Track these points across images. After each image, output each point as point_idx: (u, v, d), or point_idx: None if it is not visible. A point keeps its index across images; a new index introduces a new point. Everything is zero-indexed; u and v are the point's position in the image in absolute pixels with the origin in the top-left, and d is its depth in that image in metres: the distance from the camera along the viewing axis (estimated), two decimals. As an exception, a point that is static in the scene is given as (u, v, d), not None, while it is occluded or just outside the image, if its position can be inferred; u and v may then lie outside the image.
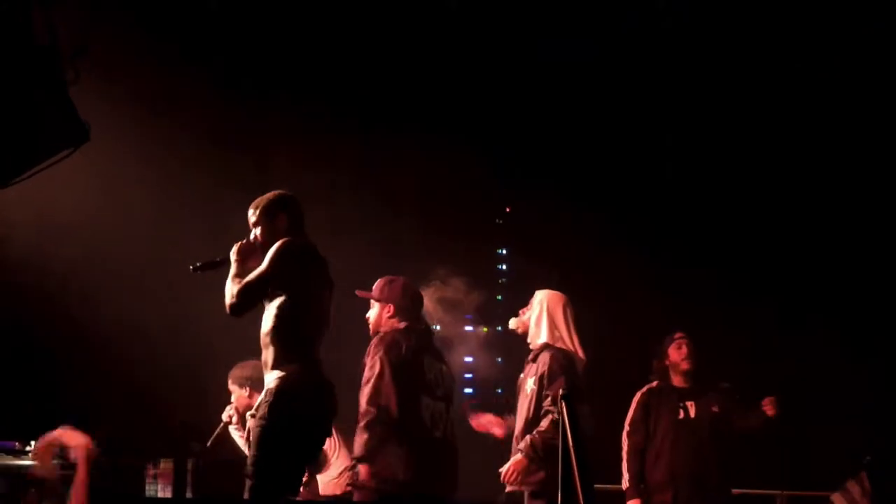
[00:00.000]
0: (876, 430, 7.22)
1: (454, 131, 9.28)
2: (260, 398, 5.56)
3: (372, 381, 6.36)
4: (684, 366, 7.32)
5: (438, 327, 7.34)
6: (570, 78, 9.26)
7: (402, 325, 6.62)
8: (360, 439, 6.34)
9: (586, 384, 6.79)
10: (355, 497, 6.43)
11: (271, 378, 5.51)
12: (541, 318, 6.98)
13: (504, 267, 10.33)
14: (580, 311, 7.10)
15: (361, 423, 6.35)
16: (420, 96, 9.31)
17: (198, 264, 5.80)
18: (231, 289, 5.58)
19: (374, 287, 6.74)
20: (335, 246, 6.17)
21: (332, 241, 6.19)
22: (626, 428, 7.36)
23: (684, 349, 7.34)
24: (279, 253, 5.57)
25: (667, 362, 7.40)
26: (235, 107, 8.71)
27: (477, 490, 7.34)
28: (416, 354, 6.55)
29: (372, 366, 6.43)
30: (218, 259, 5.78)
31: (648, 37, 8.82)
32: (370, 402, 6.34)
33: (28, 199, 6.94)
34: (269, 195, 5.86)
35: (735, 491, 7.69)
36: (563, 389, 5.59)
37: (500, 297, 10.10)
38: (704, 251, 9.22)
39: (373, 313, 6.71)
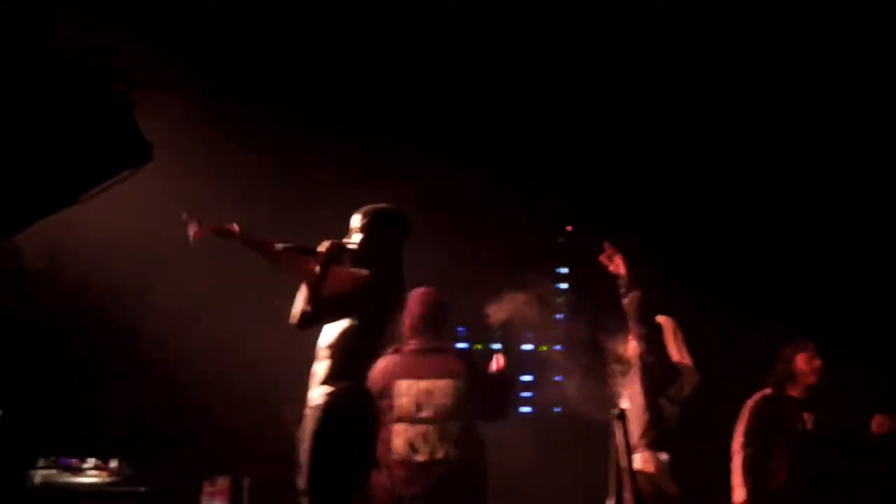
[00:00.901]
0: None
1: (515, 148, 9.30)
2: (308, 415, 5.55)
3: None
4: (811, 379, 7.14)
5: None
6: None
7: (427, 342, 6.62)
8: None
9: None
10: None
11: (319, 393, 5.51)
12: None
13: (564, 286, 10.30)
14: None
15: None
16: (482, 113, 9.31)
17: (288, 245, 5.61)
18: (306, 298, 5.43)
19: (414, 302, 6.62)
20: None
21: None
22: (741, 439, 7.08)
23: (816, 362, 7.17)
24: (365, 283, 5.52)
25: (793, 368, 7.21)
26: (299, 128, 8.76)
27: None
28: (384, 380, 6.47)
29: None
30: (305, 248, 5.57)
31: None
32: None
33: (94, 217, 7.04)
34: (381, 206, 5.77)
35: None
36: (618, 409, 5.55)
37: (559, 316, 10.08)
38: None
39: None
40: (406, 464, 6.40)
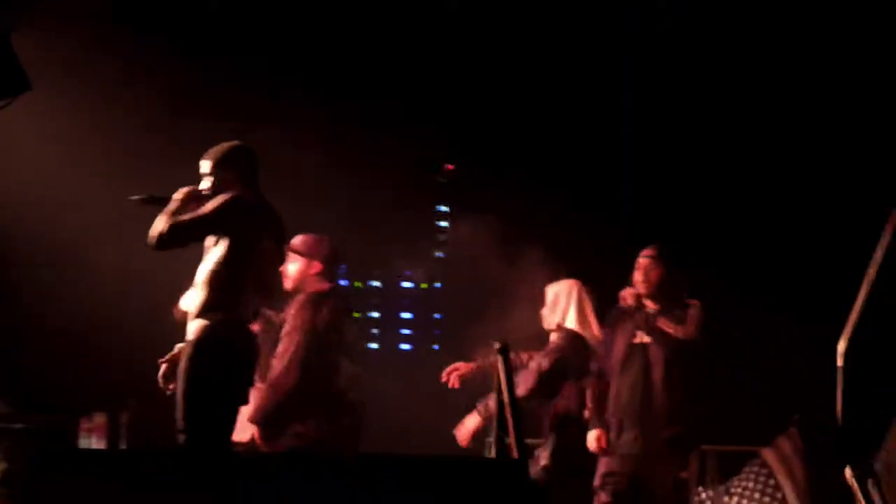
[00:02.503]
0: (808, 387, 7.27)
1: (396, 88, 9.26)
2: (183, 349, 5.52)
3: (291, 351, 6.25)
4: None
5: None
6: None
7: (327, 286, 6.51)
8: (265, 402, 6.24)
9: None
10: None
11: (194, 327, 5.49)
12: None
13: (444, 224, 10.33)
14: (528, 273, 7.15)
15: (272, 386, 6.25)
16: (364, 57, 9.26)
17: (142, 196, 5.63)
18: (161, 222, 5.44)
19: (298, 242, 6.50)
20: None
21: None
22: None
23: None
24: (224, 202, 5.49)
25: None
26: (187, 62, 8.61)
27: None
28: (339, 317, 6.45)
29: (293, 329, 6.30)
30: (158, 196, 5.61)
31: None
32: (287, 371, 6.24)
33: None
34: (222, 146, 5.73)
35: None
36: (500, 343, 5.58)
37: (439, 254, 10.12)
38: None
39: (294, 268, 6.46)
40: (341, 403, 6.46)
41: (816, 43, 8.72)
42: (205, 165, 5.70)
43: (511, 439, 5.37)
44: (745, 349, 8.68)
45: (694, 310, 6.71)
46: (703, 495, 7.32)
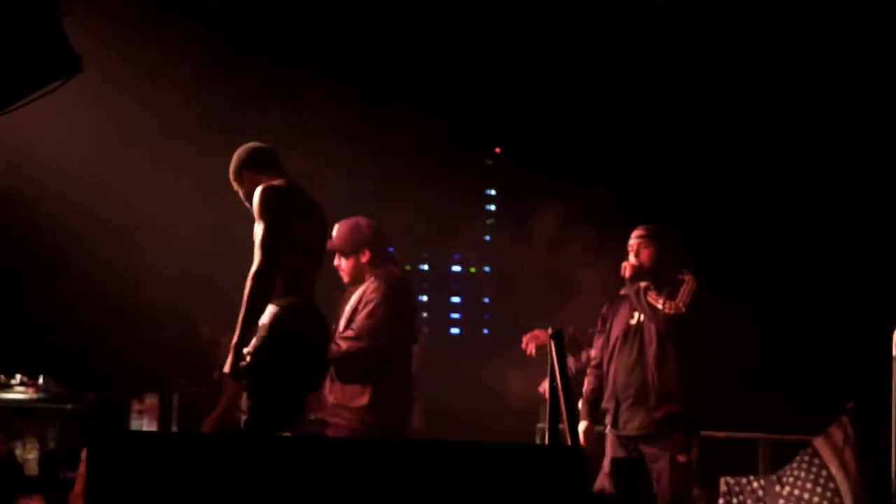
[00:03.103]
0: (860, 377, 7.20)
1: (443, 75, 9.26)
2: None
3: (378, 321, 6.23)
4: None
5: None
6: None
7: (394, 269, 6.50)
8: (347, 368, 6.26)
9: None
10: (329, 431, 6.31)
11: (264, 313, 5.49)
12: None
13: (492, 208, 10.32)
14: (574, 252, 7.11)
15: (351, 351, 6.23)
16: (409, 43, 9.26)
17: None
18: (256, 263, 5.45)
19: (338, 239, 6.44)
20: (324, 193, 6.06)
21: (319, 187, 6.09)
22: None
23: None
24: (261, 201, 5.49)
25: None
26: (228, 41, 8.64)
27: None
28: (414, 300, 6.60)
29: (377, 305, 6.27)
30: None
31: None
32: (360, 338, 6.23)
33: (20, 131, 6.90)
34: (234, 157, 5.75)
35: (719, 434, 7.67)
36: (553, 328, 5.54)
37: (488, 238, 10.12)
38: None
39: (346, 263, 6.45)
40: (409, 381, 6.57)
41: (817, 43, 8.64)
42: (232, 180, 5.77)
43: (564, 426, 5.34)
44: (796, 338, 8.60)
45: (686, 284, 6.49)
46: (755, 484, 7.25)
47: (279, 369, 5.38)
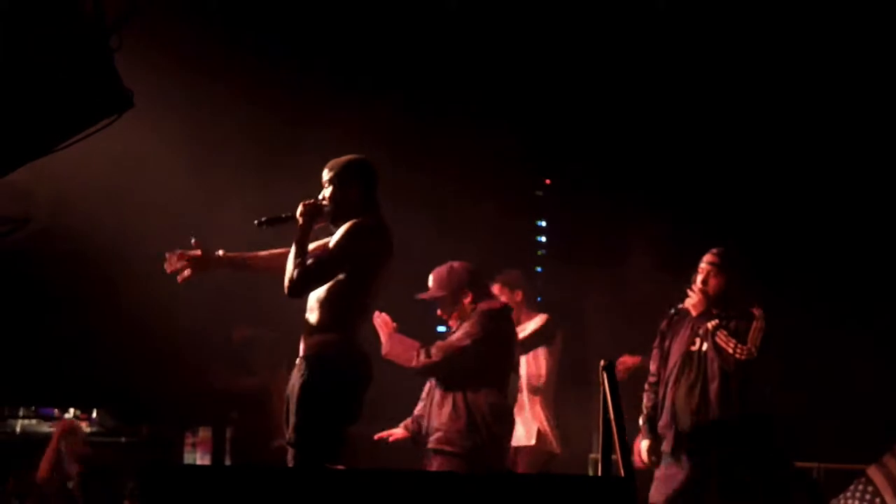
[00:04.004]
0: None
1: (492, 103, 9.24)
2: (297, 365, 5.53)
3: (453, 344, 6.40)
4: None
5: None
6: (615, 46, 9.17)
7: (497, 304, 6.63)
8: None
9: None
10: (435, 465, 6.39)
11: (311, 342, 5.51)
12: None
13: (543, 239, 10.29)
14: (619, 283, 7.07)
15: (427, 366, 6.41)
16: (459, 69, 9.25)
17: (263, 219, 5.63)
18: (292, 269, 5.45)
19: (436, 284, 6.59)
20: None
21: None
22: None
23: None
24: (349, 237, 5.49)
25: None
26: (282, 76, 8.67)
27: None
28: (512, 329, 6.65)
29: (472, 325, 6.43)
30: (284, 215, 5.61)
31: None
32: (438, 354, 6.39)
33: (71, 167, 6.95)
34: (345, 158, 5.71)
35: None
36: (604, 360, 5.51)
37: (539, 269, 10.08)
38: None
39: (447, 307, 6.58)
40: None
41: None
42: (326, 174, 5.69)
43: (617, 456, 5.30)
44: (849, 365, 8.50)
45: (757, 322, 6.35)
46: None
47: (326, 402, 5.39)
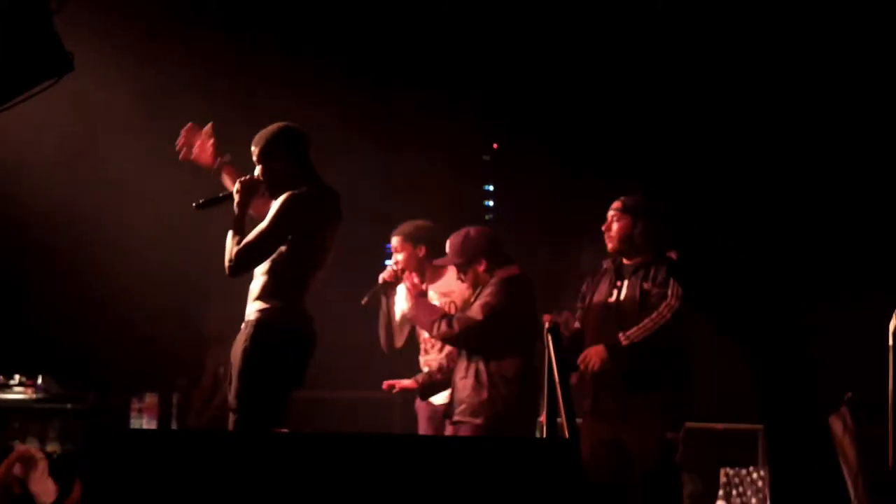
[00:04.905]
0: (859, 366, 7.16)
1: (441, 69, 9.23)
2: (241, 330, 5.50)
3: (487, 316, 6.25)
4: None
5: None
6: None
7: (514, 270, 6.43)
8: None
9: None
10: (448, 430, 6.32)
11: (253, 309, 5.45)
12: None
13: (490, 203, 10.30)
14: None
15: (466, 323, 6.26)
16: (407, 34, 9.23)
17: (200, 201, 5.54)
18: (231, 248, 5.40)
19: (448, 252, 6.45)
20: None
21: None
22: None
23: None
24: (282, 210, 5.41)
25: None
26: (227, 38, 8.61)
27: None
28: (533, 295, 6.48)
29: (491, 293, 6.29)
30: (221, 195, 5.55)
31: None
32: (458, 322, 6.28)
33: (10, 131, 6.89)
34: (268, 130, 5.57)
35: (718, 426, 7.63)
36: (550, 322, 5.53)
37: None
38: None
39: (465, 276, 6.44)
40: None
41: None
42: (254, 151, 5.59)
43: (562, 419, 5.33)
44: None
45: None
46: (755, 475, 7.26)
47: (267, 367, 5.37)
